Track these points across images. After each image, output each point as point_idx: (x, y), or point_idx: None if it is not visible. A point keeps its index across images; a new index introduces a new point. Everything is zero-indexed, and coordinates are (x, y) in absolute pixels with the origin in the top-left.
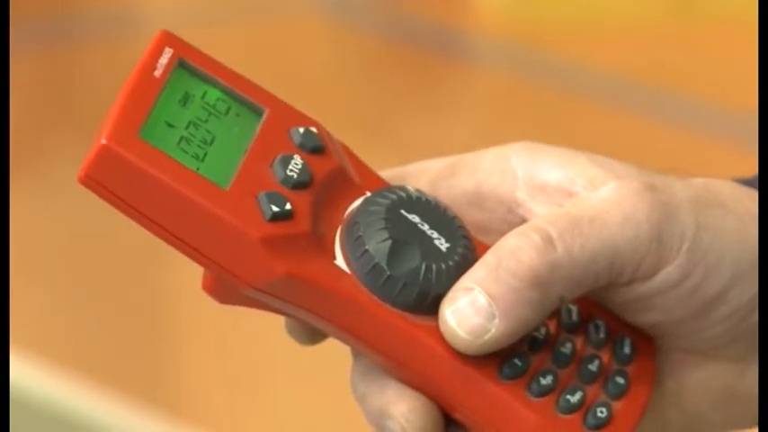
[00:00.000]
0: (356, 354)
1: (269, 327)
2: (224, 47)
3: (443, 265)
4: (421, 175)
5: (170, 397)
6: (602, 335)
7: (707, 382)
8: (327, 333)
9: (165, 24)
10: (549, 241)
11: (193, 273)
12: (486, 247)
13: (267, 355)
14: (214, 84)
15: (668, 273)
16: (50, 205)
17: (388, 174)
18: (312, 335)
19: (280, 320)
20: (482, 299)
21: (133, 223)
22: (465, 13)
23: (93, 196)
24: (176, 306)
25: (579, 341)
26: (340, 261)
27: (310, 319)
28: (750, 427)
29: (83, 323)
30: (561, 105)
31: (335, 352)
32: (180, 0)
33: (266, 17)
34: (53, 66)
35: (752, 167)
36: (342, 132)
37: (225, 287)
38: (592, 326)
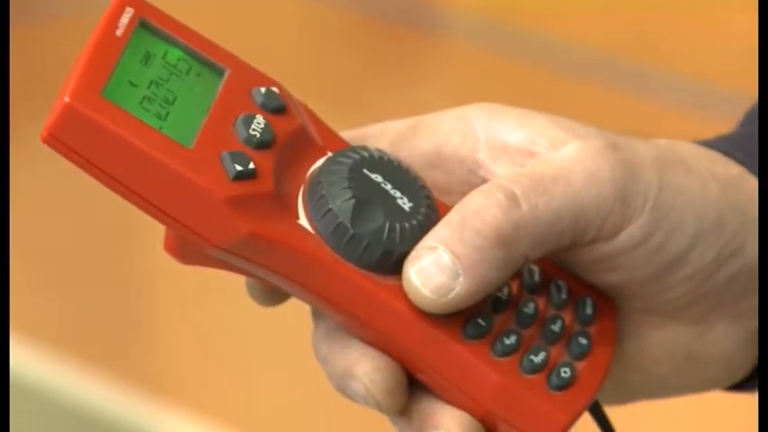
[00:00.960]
0: (318, 315)
1: (250, 304)
2: (193, 19)
3: (407, 225)
4: (381, 136)
5: (150, 374)
6: (563, 295)
7: (667, 344)
8: (290, 293)
9: None
10: (513, 199)
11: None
12: (447, 208)
13: (247, 332)
14: (175, 43)
15: (631, 232)
16: (21, 183)
17: (349, 134)
18: (273, 296)
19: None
20: (446, 257)
21: (109, 201)
22: None
23: (66, 174)
24: (155, 284)
25: (541, 302)
26: (303, 221)
27: (273, 279)
28: (707, 390)
29: (60, 301)
30: (535, 79)
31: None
32: None
33: None
34: (19, 44)
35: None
36: (312, 105)
37: (187, 247)
38: (554, 286)
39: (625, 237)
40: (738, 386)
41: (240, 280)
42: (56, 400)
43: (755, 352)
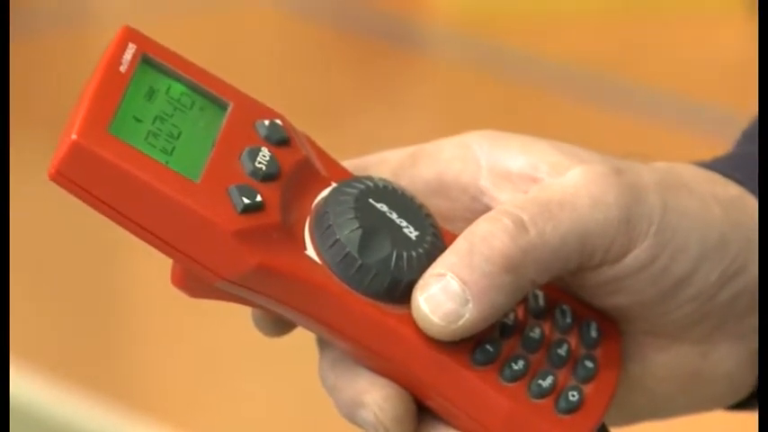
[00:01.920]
0: (323, 345)
1: (230, 321)
2: (176, 38)
3: (414, 253)
4: (382, 165)
5: (130, 391)
6: (568, 319)
7: (671, 365)
8: (298, 323)
9: (117, 18)
10: (520, 225)
11: (152, 268)
12: (452, 235)
13: (228, 348)
14: (177, 78)
15: (637, 255)
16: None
17: (350, 164)
18: (279, 326)
19: (241, 315)
20: (455, 284)
21: (90, 219)
22: (419, 3)
23: (49, 191)
24: (136, 301)
25: (547, 326)
26: (311, 251)
27: (281, 310)
28: (711, 409)
29: (39, 318)
30: (515, 95)
31: (296, 344)
32: None
33: (219, 8)
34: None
35: (708, 154)
36: (292, 120)
37: (195, 280)
38: (558, 311)
39: (630, 260)
40: (741, 405)
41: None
42: (33, 415)
43: (757, 370)
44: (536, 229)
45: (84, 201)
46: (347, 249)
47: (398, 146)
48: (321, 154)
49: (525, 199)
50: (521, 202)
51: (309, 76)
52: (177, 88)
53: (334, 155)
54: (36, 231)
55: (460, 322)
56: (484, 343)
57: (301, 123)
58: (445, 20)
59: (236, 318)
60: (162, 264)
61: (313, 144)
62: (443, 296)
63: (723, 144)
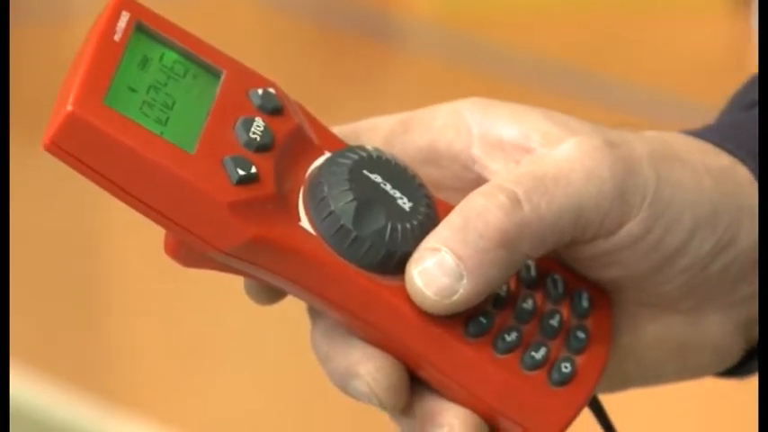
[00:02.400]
0: (315, 314)
1: (215, 313)
2: None
3: (408, 225)
4: (373, 132)
5: (109, 383)
6: (560, 289)
7: (661, 335)
8: (291, 294)
9: (96, 8)
10: (515, 201)
11: (130, 257)
12: (445, 205)
13: (208, 340)
14: (171, 46)
15: (631, 228)
16: None
17: (340, 131)
18: (271, 295)
19: (225, 308)
20: (449, 259)
21: (69, 205)
22: None
23: (26, 185)
24: (114, 294)
25: (539, 296)
26: (305, 222)
27: (275, 281)
28: (698, 377)
29: (18, 314)
30: (493, 88)
31: (280, 337)
32: None
33: (199, 1)
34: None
35: None
36: None
37: (188, 251)
38: (549, 280)
39: (624, 233)
40: (729, 372)
41: (200, 286)
42: (15, 410)
43: (745, 339)
44: (530, 204)
45: (78, 171)
46: (342, 221)
47: None
48: (313, 122)
49: (520, 173)
50: (515, 176)
51: (288, 69)
52: (170, 56)
53: None
54: (14, 225)
55: (454, 297)
56: (477, 315)
57: None
58: (423, 14)
59: (221, 310)
60: (145, 253)
61: (305, 112)
62: (438, 271)
63: None
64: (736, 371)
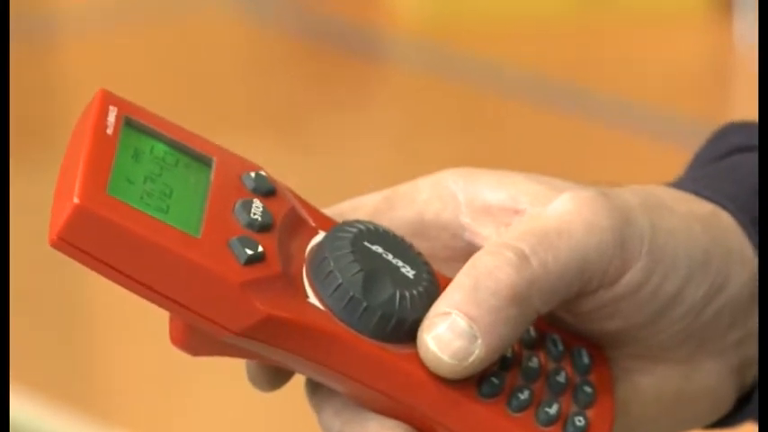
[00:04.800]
0: (321, 401)
1: None
2: (141, 46)
3: (415, 292)
4: (357, 211)
5: (91, 398)
6: (560, 347)
7: (656, 386)
8: (301, 371)
9: (81, 28)
10: (523, 257)
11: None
12: (439, 274)
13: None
14: (159, 138)
15: (631, 276)
16: None
17: (326, 212)
18: (275, 380)
19: None
20: (462, 322)
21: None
22: (379, 11)
23: (12, 206)
24: (95, 308)
25: (541, 356)
26: (313, 299)
27: (287, 359)
28: (695, 427)
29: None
30: (474, 102)
31: None
32: (94, 3)
33: (182, 17)
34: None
35: (665, 161)
36: (258, 132)
37: (198, 338)
38: (549, 340)
39: (625, 282)
40: (722, 421)
41: None
42: None
43: (738, 385)
44: (538, 259)
45: (86, 264)
46: (351, 293)
47: (361, 155)
48: (303, 202)
49: (522, 230)
50: (518, 234)
51: (273, 85)
52: (160, 148)
53: (299, 163)
54: None
55: (471, 359)
56: (489, 376)
57: (265, 132)
58: (406, 29)
59: None
60: None
61: (294, 193)
62: (451, 334)
63: (682, 150)
64: (729, 419)
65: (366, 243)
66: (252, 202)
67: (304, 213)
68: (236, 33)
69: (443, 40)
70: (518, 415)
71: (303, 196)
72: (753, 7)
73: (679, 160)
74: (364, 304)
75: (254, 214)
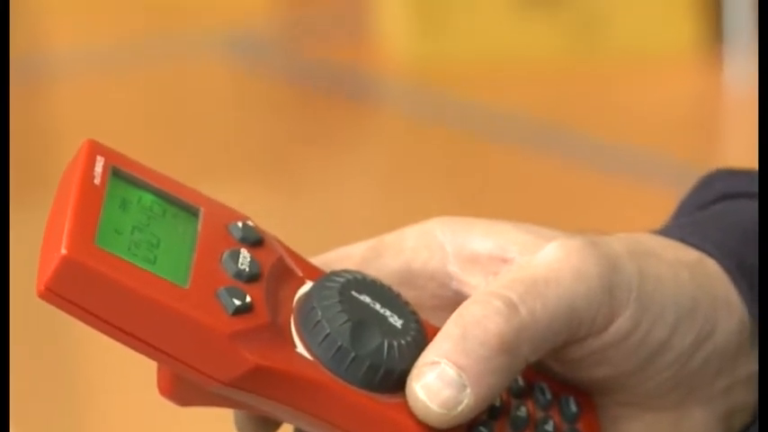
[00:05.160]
0: None
1: None
2: (128, 89)
3: (403, 341)
4: (344, 261)
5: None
6: (548, 396)
7: None
8: (289, 421)
9: (71, 71)
10: (512, 306)
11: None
12: (427, 323)
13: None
14: (147, 188)
15: (620, 324)
16: None
17: (313, 262)
18: (263, 430)
19: None
20: (450, 371)
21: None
22: (369, 56)
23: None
24: (82, 359)
25: (530, 404)
26: (301, 349)
27: (275, 409)
28: None
29: None
30: (462, 146)
31: None
32: (85, 45)
33: (173, 61)
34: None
35: (653, 204)
36: (247, 175)
37: (186, 388)
38: (537, 389)
39: (614, 329)
40: None
41: None
42: None
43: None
44: (526, 307)
45: (73, 315)
46: (339, 342)
47: (351, 198)
48: (290, 252)
49: (509, 279)
50: (506, 282)
51: (260, 128)
52: (147, 198)
53: (288, 206)
54: None
55: (460, 408)
56: (477, 425)
57: (254, 174)
58: (394, 72)
59: None
60: None
61: (281, 243)
62: (440, 383)
63: (671, 194)
64: None
65: (354, 293)
66: (239, 252)
67: (291, 263)
68: (224, 77)
69: (431, 83)
70: None
71: (291, 239)
72: (743, 50)
73: (667, 204)
74: (352, 354)
75: (242, 264)
